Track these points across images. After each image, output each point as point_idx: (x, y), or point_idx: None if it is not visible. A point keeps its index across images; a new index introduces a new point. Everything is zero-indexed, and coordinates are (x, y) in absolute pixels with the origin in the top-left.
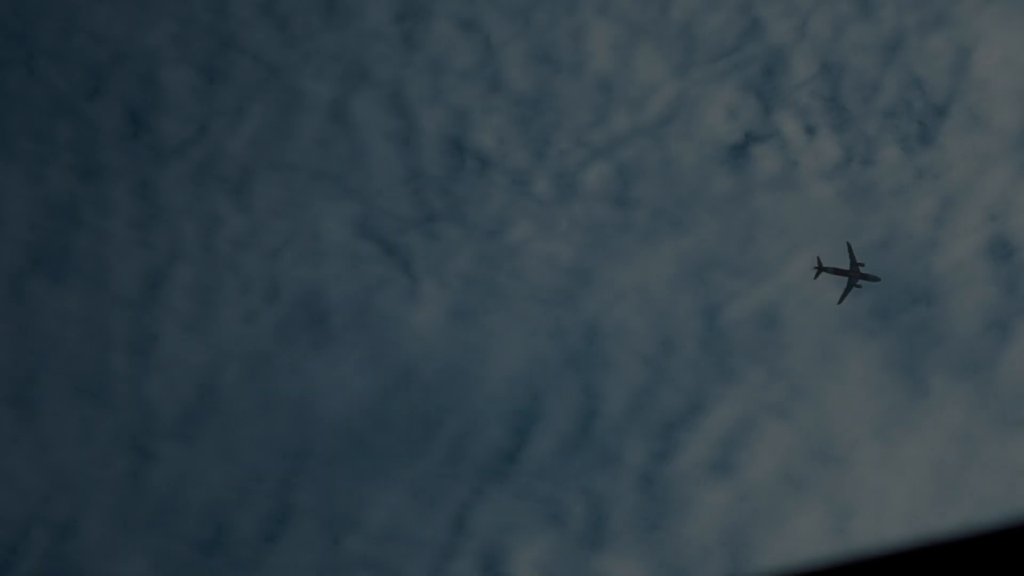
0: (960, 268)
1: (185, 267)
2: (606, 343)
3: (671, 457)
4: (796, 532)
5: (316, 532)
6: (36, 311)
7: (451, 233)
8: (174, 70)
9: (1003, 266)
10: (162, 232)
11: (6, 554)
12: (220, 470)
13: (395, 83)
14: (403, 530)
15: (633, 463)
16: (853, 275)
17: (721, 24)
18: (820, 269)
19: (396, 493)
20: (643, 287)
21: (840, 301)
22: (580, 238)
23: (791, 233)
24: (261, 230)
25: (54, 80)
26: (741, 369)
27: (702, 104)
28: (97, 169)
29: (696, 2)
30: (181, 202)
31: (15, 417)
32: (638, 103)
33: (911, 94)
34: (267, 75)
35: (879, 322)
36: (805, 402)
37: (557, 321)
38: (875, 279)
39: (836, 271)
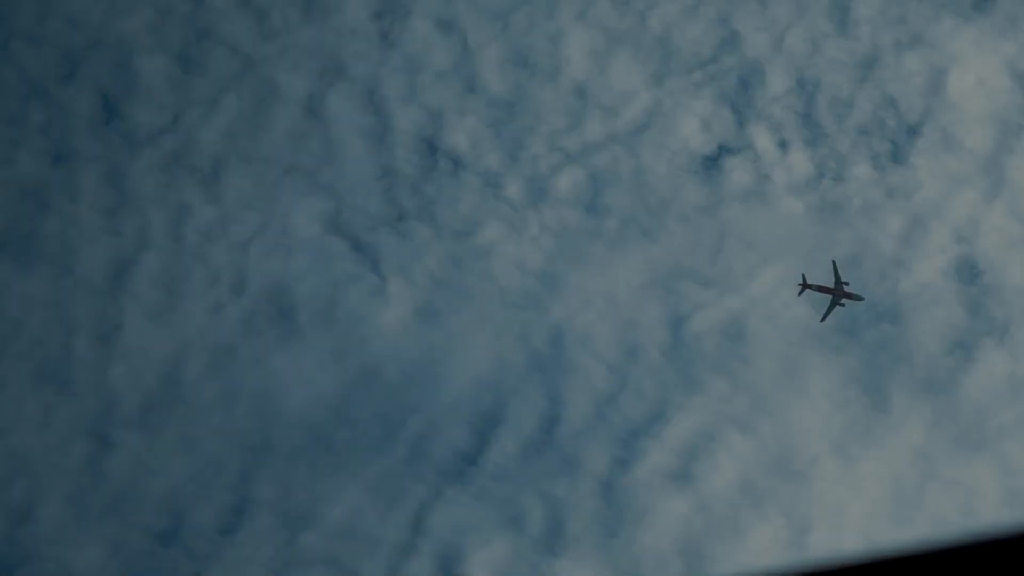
0: (926, 288)
1: (153, 256)
2: (571, 349)
3: (632, 465)
4: (753, 544)
5: (274, 527)
6: (0, 294)
7: (421, 232)
8: (150, 58)
9: (969, 287)
10: (131, 220)
11: None
12: (180, 461)
13: (371, 80)
14: (361, 528)
15: (594, 469)
16: (837, 293)
17: (698, 35)
18: (805, 286)
19: (355, 490)
20: (611, 294)
21: (823, 319)
22: (550, 243)
23: (760, 246)
24: (231, 222)
25: (29, 63)
26: (705, 380)
27: (677, 114)
28: (68, 154)
29: (674, 12)
30: (151, 191)
31: None
32: (613, 110)
33: (885, 113)
34: (243, 67)
35: (844, 338)
36: (767, 415)
37: (524, 325)
38: (859, 298)
39: (821, 289)
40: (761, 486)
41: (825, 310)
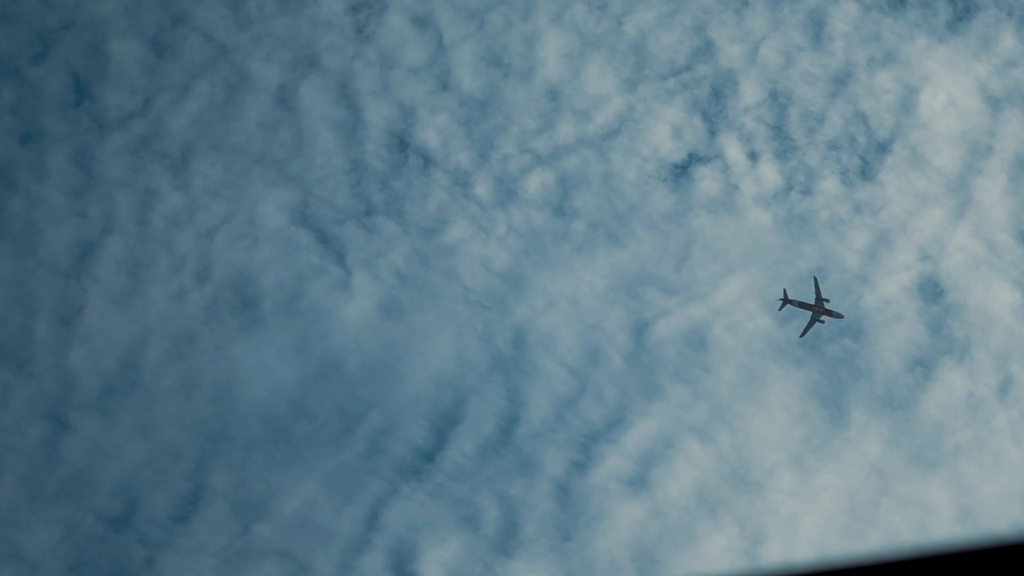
0: (889, 304)
1: (118, 240)
2: (534, 350)
3: (589, 469)
4: (707, 553)
5: (228, 516)
6: None
7: (388, 228)
8: (123, 41)
9: (931, 306)
10: (98, 203)
11: None
12: (136, 446)
13: (344, 73)
14: (315, 521)
15: (551, 472)
16: (817, 310)
17: (673, 43)
18: (786, 301)
19: (311, 483)
20: (575, 298)
21: (802, 335)
22: (516, 243)
23: (726, 256)
24: (198, 209)
25: (1, 42)
26: (665, 387)
27: (649, 121)
28: (37, 134)
29: (650, 19)
30: (119, 175)
31: None
32: (585, 114)
33: (855, 128)
34: (216, 55)
35: (805, 351)
36: (726, 425)
37: (487, 324)
38: (839, 316)
39: (802, 305)
40: (717, 495)
41: (805, 326)
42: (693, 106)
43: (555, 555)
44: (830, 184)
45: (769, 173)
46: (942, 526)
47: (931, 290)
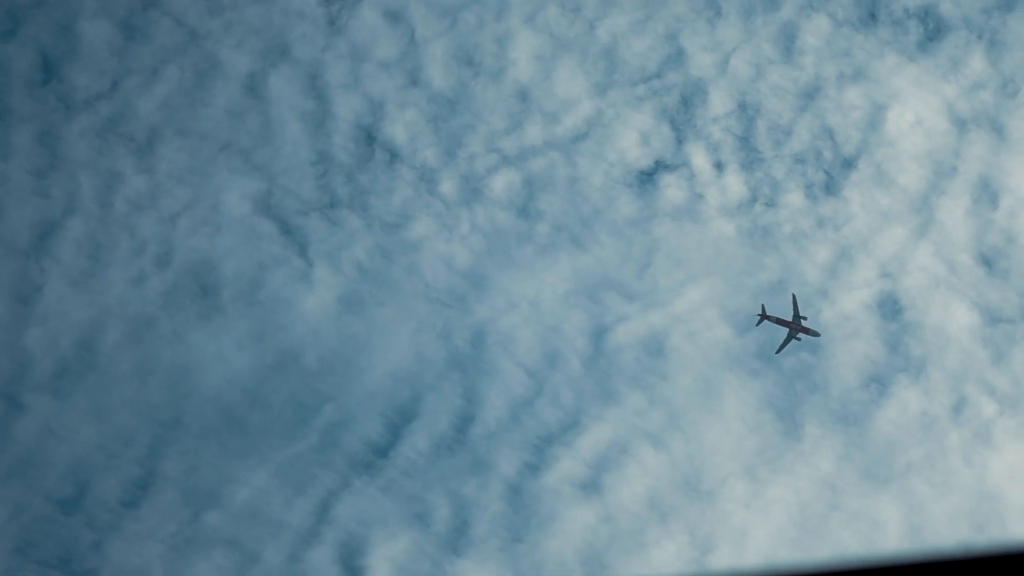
0: (848, 320)
1: (79, 221)
2: (492, 350)
3: (542, 471)
4: (656, 559)
5: (178, 503)
6: None
7: (352, 221)
8: (93, 22)
9: (889, 323)
10: (61, 184)
11: None
12: (89, 430)
13: (314, 65)
14: (266, 511)
15: (504, 472)
16: (794, 327)
17: (645, 49)
18: (763, 317)
19: (263, 474)
20: (536, 299)
21: (778, 351)
22: (479, 242)
23: (688, 265)
24: (161, 194)
25: None
26: (622, 392)
27: (617, 126)
28: (3, 111)
29: (623, 24)
30: (83, 156)
31: None
32: (554, 116)
33: (822, 143)
34: (187, 39)
35: (762, 363)
36: (681, 433)
37: (446, 322)
38: (816, 334)
39: (779, 321)
40: (668, 502)
41: (782, 342)
42: (662, 113)
43: (505, 555)
44: (794, 197)
45: (734, 184)
46: (891, 542)
47: (890, 307)
